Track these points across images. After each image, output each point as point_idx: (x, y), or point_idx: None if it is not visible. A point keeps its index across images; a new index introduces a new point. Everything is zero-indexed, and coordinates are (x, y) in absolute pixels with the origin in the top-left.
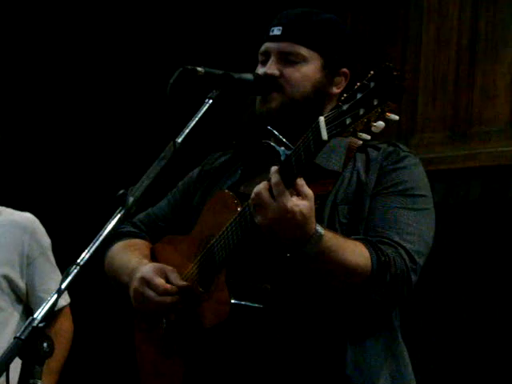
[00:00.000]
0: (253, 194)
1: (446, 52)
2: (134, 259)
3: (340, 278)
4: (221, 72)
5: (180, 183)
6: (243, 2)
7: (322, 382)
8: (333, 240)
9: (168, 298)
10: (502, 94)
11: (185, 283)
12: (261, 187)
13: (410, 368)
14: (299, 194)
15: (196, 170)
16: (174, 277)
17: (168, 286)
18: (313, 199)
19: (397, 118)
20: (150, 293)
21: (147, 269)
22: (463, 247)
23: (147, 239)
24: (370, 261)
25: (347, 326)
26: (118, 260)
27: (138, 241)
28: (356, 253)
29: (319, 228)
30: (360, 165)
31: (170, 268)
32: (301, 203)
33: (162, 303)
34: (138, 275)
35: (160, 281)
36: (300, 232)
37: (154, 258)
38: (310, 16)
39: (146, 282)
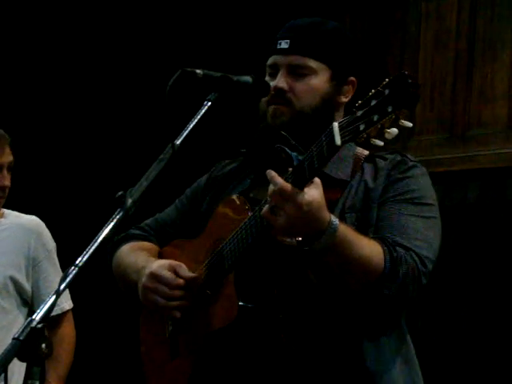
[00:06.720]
0: (268, 197)
1: (444, 54)
2: (141, 258)
3: (354, 273)
4: (219, 74)
5: (188, 190)
6: (243, 5)
7: (343, 373)
8: (347, 232)
9: (180, 292)
10: (499, 97)
11: (194, 275)
12: (276, 189)
13: (419, 374)
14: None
15: (204, 177)
16: (183, 270)
17: (180, 279)
18: (321, 186)
19: (410, 124)
20: (162, 287)
21: (156, 265)
22: (461, 249)
23: (155, 243)
24: (382, 255)
25: (362, 325)
26: (126, 260)
27: (146, 243)
28: (370, 247)
29: (333, 218)
30: (368, 174)
31: (177, 263)
32: (314, 192)
33: (173, 297)
34: (147, 271)
35: (171, 275)
36: (316, 223)
37: None
38: (316, 27)
39: (156, 277)
